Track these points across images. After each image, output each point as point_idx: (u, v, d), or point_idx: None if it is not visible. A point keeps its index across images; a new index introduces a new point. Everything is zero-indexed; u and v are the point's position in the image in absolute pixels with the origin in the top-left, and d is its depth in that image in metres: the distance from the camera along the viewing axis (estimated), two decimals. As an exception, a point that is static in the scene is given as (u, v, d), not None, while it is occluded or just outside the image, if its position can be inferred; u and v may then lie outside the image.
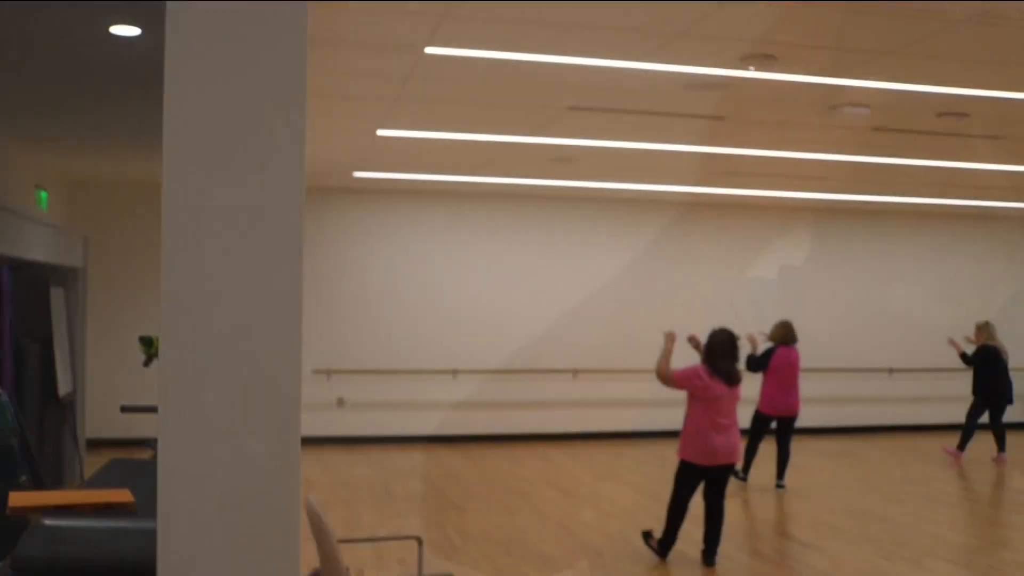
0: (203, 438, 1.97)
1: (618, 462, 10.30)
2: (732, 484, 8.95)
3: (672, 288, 12.22)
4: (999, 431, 10.78)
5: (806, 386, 12.50)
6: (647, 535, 6.62)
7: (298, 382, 2.03)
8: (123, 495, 2.81)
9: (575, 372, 11.90)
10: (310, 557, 3.78)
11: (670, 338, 6.45)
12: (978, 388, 10.76)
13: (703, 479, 6.36)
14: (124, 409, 5.75)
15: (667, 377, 6.31)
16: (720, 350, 6.28)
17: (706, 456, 6.22)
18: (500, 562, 6.33)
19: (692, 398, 6.30)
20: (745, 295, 12.32)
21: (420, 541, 4.51)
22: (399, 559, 6.33)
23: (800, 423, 12.39)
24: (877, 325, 13.07)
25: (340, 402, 11.23)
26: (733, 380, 6.28)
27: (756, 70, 5.62)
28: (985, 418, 10.77)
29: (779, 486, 8.91)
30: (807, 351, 12.49)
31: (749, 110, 6.87)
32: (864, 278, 13.13)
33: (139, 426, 7.73)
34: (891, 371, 13.09)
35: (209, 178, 1.99)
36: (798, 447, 11.23)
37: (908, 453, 11.31)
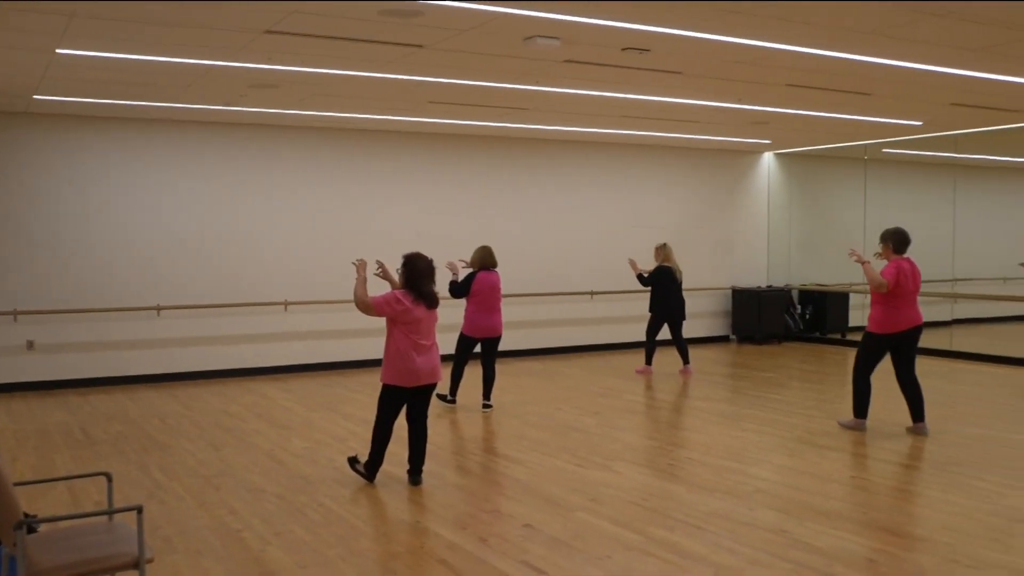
0: None
1: (329, 392, 10.33)
2: (440, 406, 9.29)
3: (372, 218, 12.30)
4: (682, 346, 11.76)
5: (514, 311, 13.11)
6: (353, 460, 6.73)
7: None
8: None
9: (286, 304, 11.76)
10: None
11: (361, 266, 6.49)
12: (654, 305, 11.65)
13: (406, 401, 6.52)
14: None
15: (366, 305, 6.33)
16: (419, 274, 6.39)
17: (408, 377, 6.37)
18: (206, 496, 6.22)
19: (391, 323, 6.39)
20: (447, 224, 12.61)
21: (109, 477, 4.35)
22: (96, 502, 6.08)
23: (507, 346, 12.98)
24: (579, 251, 13.81)
25: (30, 345, 10.48)
26: (433, 303, 6.44)
27: (449, -2, 5.70)
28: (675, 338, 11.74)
29: (485, 406, 9.28)
30: (517, 278, 13.07)
31: (446, 39, 6.97)
32: (566, 206, 13.78)
33: None
34: (592, 294, 13.90)
35: None
36: (505, 368, 11.77)
37: (606, 369, 12.11)
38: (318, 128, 11.93)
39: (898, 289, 7.81)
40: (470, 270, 9.24)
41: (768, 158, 15.82)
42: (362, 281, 6.42)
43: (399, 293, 6.35)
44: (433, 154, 12.70)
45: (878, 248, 8.13)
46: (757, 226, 15.79)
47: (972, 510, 5.81)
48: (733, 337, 15.48)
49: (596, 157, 13.98)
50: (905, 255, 7.99)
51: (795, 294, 15.73)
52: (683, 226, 14.81)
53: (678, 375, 11.55)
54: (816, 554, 5.00)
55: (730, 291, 15.38)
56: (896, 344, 7.97)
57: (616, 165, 14.18)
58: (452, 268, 9.11)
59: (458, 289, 9.13)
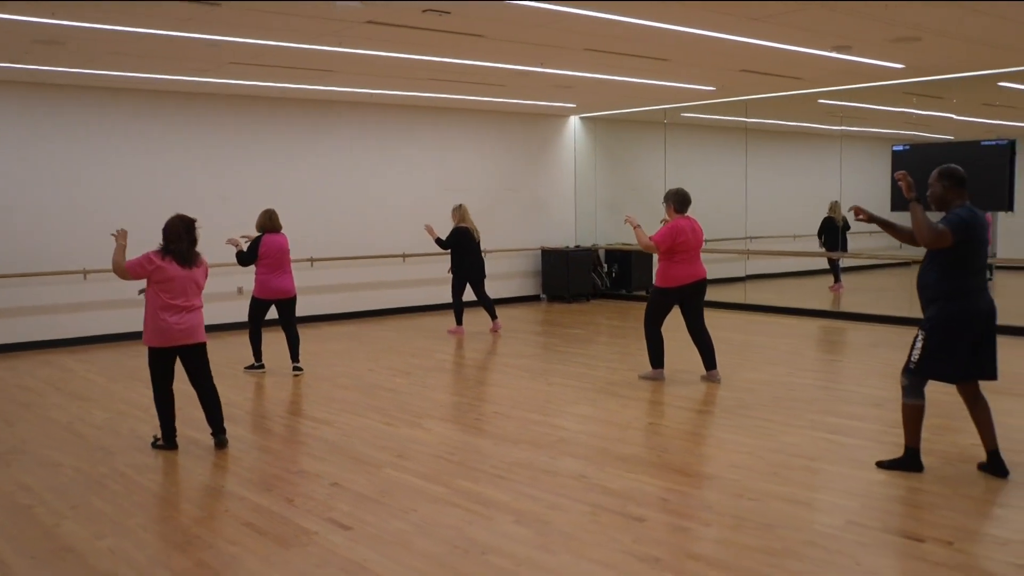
0: None
1: (133, 362, 9.99)
2: (252, 373, 9.17)
3: (174, 183, 11.92)
4: (487, 303, 12.02)
5: (327, 275, 13.02)
6: (154, 442, 6.56)
7: None
8: None
9: (84, 273, 11.25)
10: None
11: (121, 235, 6.47)
12: (454, 266, 11.83)
13: (170, 363, 6.41)
14: None
15: (122, 269, 6.34)
16: (172, 233, 6.35)
17: (160, 337, 6.29)
18: (-4, 473, 5.95)
19: (148, 283, 6.35)
20: (257, 188, 12.37)
21: None
22: None
23: (319, 310, 12.90)
24: (391, 214, 13.81)
25: None
26: (187, 261, 6.34)
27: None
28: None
29: (296, 368, 9.22)
30: (329, 241, 12.97)
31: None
32: (377, 169, 13.74)
33: None
34: (404, 257, 13.95)
35: None
36: (317, 333, 11.71)
37: (418, 331, 12.21)
38: (115, 89, 11.40)
39: (678, 247, 8.22)
40: (257, 233, 9.24)
41: (574, 122, 16.23)
42: (120, 249, 6.41)
43: (152, 253, 6.32)
44: (239, 117, 12.38)
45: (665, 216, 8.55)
46: (564, 188, 16.20)
47: (757, 448, 6.24)
48: (543, 296, 15.88)
49: (406, 121, 13.97)
50: (687, 214, 8.43)
51: (602, 253, 16.27)
52: (493, 188, 15.04)
53: (489, 333, 11.78)
54: (613, 496, 5.27)
55: (539, 252, 15.75)
56: (681, 298, 8.41)
57: (426, 129, 14.22)
58: (234, 243, 9.14)
59: (245, 256, 9.16)
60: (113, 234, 6.52)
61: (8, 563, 4.45)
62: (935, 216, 5.46)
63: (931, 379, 5.50)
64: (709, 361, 8.51)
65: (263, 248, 9.08)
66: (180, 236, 6.34)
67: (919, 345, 5.45)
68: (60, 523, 5.01)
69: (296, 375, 9.14)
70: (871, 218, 5.71)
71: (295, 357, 9.28)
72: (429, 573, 4.20)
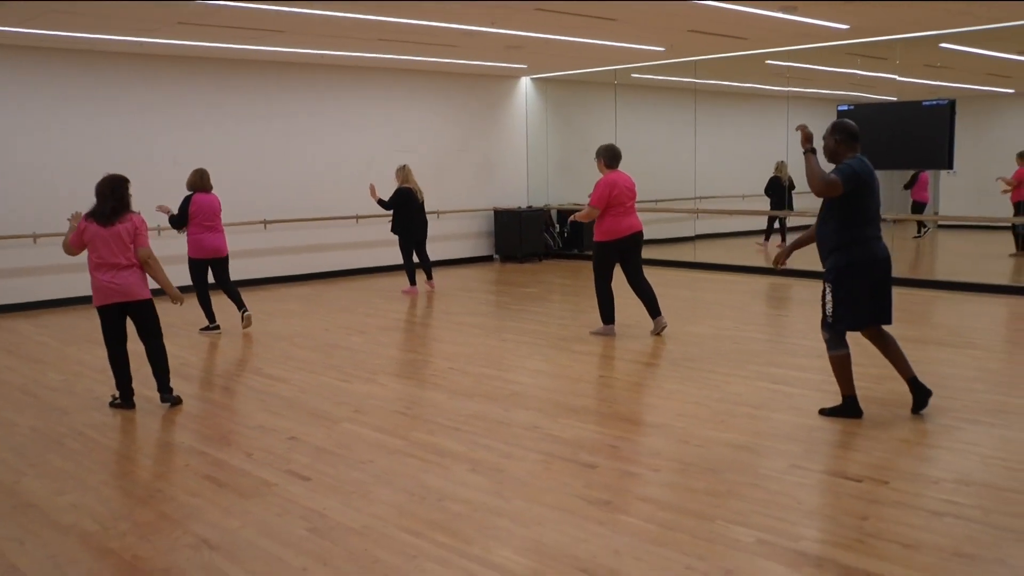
0: None
1: (87, 324, 9.96)
2: (207, 335, 9.22)
3: (128, 146, 11.84)
4: (426, 264, 12.18)
5: (280, 237, 13.04)
6: (112, 401, 6.60)
7: None
8: None
9: (35, 237, 11.15)
10: None
11: (75, 218, 6.50)
12: (397, 226, 11.92)
13: (114, 321, 6.47)
14: None
15: (67, 246, 6.47)
16: (97, 193, 6.43)
17: (100, 295, 6.39)
18: (-47, 433, 5.97)
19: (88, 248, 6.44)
20: (205, 150, 12.31)
21: None
22: None
23: (274, 272, 12.93)
24: (344, 177, 13.81)
25: None
26: (105, 220, 6.37)
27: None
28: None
29: (244, 314, 9.40)
30: (282, 204, 12.97)
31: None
32: (329, 131, 13.71)
33: None
34: (358, 219, 13.97)
35: None
36: (272, 294, 11.76)
37: (372, 291, 12.30)
38: (64, 50, 11.24)
39: (614, 201, 8.45)
40: (189, 192, 9.32)
41: (525, 83, 16.28)
42: (69, 231, 6.48)
43: (83, 219, 6.41)
44: (190, 80, 12.27)
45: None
46: (516, 149, 16.29)
47: (702, 398, 6.45)
48: (496, 256, 16.00)
49: (358, 83, 13.94)
50: (617, 168, 8.63)
51: (554, 214, 16.40)
52: (445, 150, 15.08)
53: (430, 292, 11.94)
54: (564, 444, 5.44)
55: (492, 212, 15.85)
56: (621, 251, 8.63)
57: (378, 90, 14.19)
58: (164, 210, 9.20)
59: (177, 219, 9.24)
60: (68, 218, 6.56)
61: (-29, 518, 4.51)
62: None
63: (847, 330, 5.76)
64: (653, 309, 8.73)
65: (193, 207, 9.16)
66: (105, 196, 6.40)
67: (829, 298, 5.75)
68: (19, 480, 5.07)
69: (246, 317, 9.34)
70: (809, 137, 5.89)
71: (241, 305, 9.44)
72: (389, 519, 4.34)
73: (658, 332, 8.75)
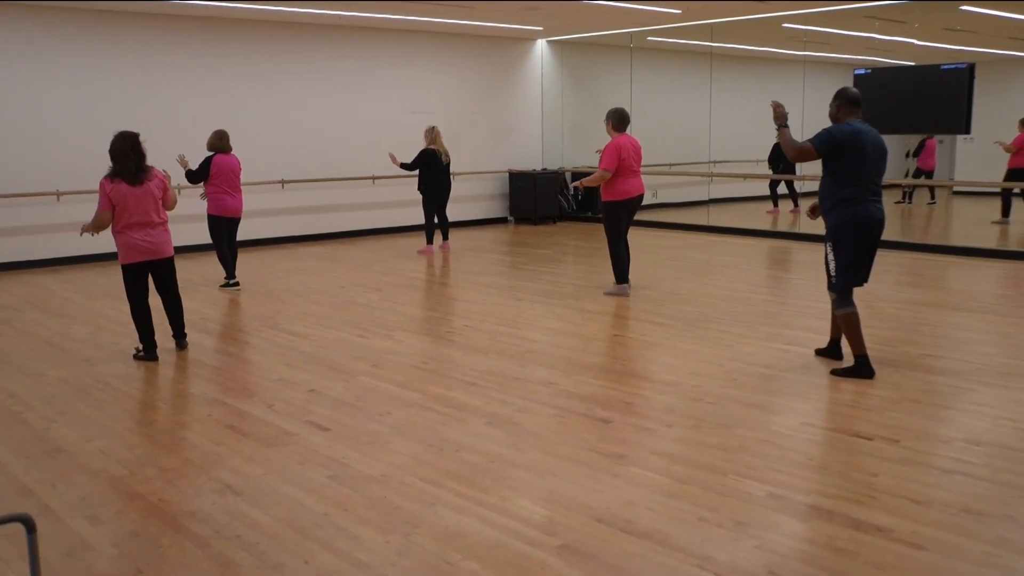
0: None
1: (110, 280, 10.10)
2: (227, 292, 9.34)
3: (143, 105, 11.90)
4: (444, 224, 12.25)
5: (298, 197, 13.13)
6: (136, 353, 6.74)
7: None
8: None
9: (58, 195, 11.26)
10: None
11: (182, 160, 6.63)
12: (422, 186, 12.00)
13: (142, 278, 6.62)
14: None
15: (99, 218, 6.47)
16: (117, 153, 6.44)
17: (132, 253, 6.51)
18: (-19, 383, 6.11)
19: (115, 210, 6.46)
20: (231, 112, 12.37)
21: None
22: None
23: (291, 231, 13.04)
24: (361, 137, 13.86)
25: None
26: (135, 179, 6.43)
27: None
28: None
29: (228, 285, 9.54)
30: (301, 165, 13.04)
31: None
32: (347, 93, 13.74)
33: None
34: (374, 179, 14.03)
35: None
36: (289, 253, 11.87)
37: (389, 251, 12.38)
38: (84, 10, 11.26)
39: (622, 164, 8.65)
40: (209, 153, 9.41)
41: (541, 45, 16.24)
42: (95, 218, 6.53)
43: (105, 182, 6.41)
44: (211, 39, 12.30)
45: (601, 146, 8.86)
46: (532, 111, 16.28)
47: (716, 357, 6.54)
48: (511, 218, 16.06)
49: (375, 44, 13.94)
50: (625, 132, 8.75)
51: (568, 176, 16.43)
52: (461, 112, 15.10)
53: (452, 253, 12.03)
54: (579, 400, 5.54)
55: (507, 174, 15.88)
56: (630, 210, 8.91)
57: (395, 52, 14.20)
58: (182, 162, 9.24)
59: (195, 174, 9.32)
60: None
61: (5, 462, 4.65)
62: None
63: (852, 286, 5.98)
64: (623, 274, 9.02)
65: (214, 168, 9.28)
66: (126, 154, 6.42)
67: (831, 259, 5.97)
68: (50, 427, 5.20)
69: (232, 287, 9.54)
70: (782, 116, 6.10)
71: (231, 274, 9.61)
72: (407, 468, 4.46)
73: (610, 294, 8.94)
